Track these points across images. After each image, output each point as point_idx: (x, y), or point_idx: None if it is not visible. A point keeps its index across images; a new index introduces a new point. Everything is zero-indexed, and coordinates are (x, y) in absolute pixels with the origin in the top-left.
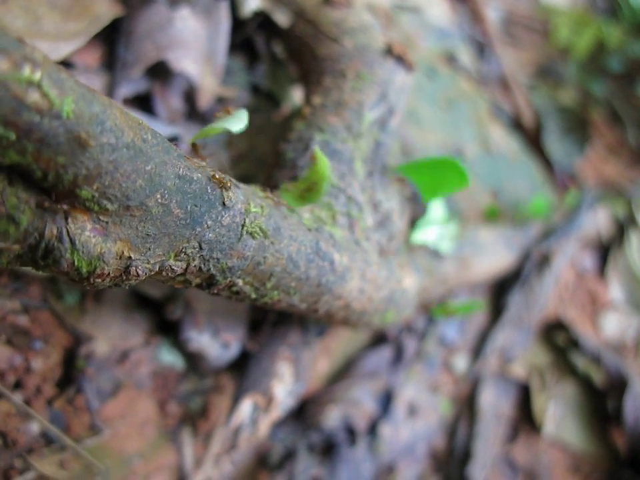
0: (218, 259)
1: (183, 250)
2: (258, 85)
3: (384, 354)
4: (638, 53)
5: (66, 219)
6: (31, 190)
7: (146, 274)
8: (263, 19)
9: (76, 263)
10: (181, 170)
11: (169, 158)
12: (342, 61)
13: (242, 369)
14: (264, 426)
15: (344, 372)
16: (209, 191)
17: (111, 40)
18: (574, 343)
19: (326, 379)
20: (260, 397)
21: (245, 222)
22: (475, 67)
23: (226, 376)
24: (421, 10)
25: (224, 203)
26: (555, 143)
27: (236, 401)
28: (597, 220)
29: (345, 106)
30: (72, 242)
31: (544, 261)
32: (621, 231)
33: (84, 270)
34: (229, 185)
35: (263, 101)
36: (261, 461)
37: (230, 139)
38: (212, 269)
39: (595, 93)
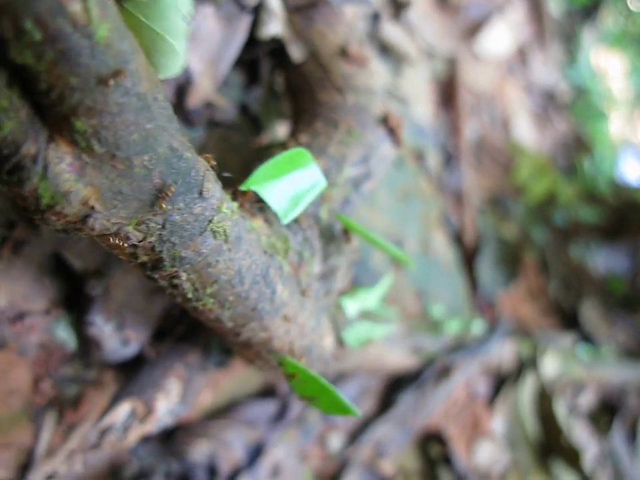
0: (174, 244)
1: (146, 222)
2: (248, 106)
3: (268, 407)
4: (580, 217)
5: (49, 142)
6: (26, 99)
7: (101, 231)
8: (276, 47)
9: (39, 191)
10: (176, 143)
11: (169, 126)
12: (338, 112)
13: (130, 371)
14: (134, 436)
15: (225, 411)
16: (192, 174)
17: None
18: (445, 459)
19: (205, 412)
20: (141, 405)
21: (213, 218)
22: (438, 173)
23: (111, 373)
24: (408, 103)
25: (201, 192)
26: (486, 269)
27: (115, 400)
28: (503, 352)
29: (329, 154)
30: (45, 168)
31: (444, 373)
32: (520, 369)
33: (44, 201)
34: (212, 177)
35: (247, 123)
36: (113, 472)
37: (203, 146)
38: (164, 252)
39: (534, 237)
